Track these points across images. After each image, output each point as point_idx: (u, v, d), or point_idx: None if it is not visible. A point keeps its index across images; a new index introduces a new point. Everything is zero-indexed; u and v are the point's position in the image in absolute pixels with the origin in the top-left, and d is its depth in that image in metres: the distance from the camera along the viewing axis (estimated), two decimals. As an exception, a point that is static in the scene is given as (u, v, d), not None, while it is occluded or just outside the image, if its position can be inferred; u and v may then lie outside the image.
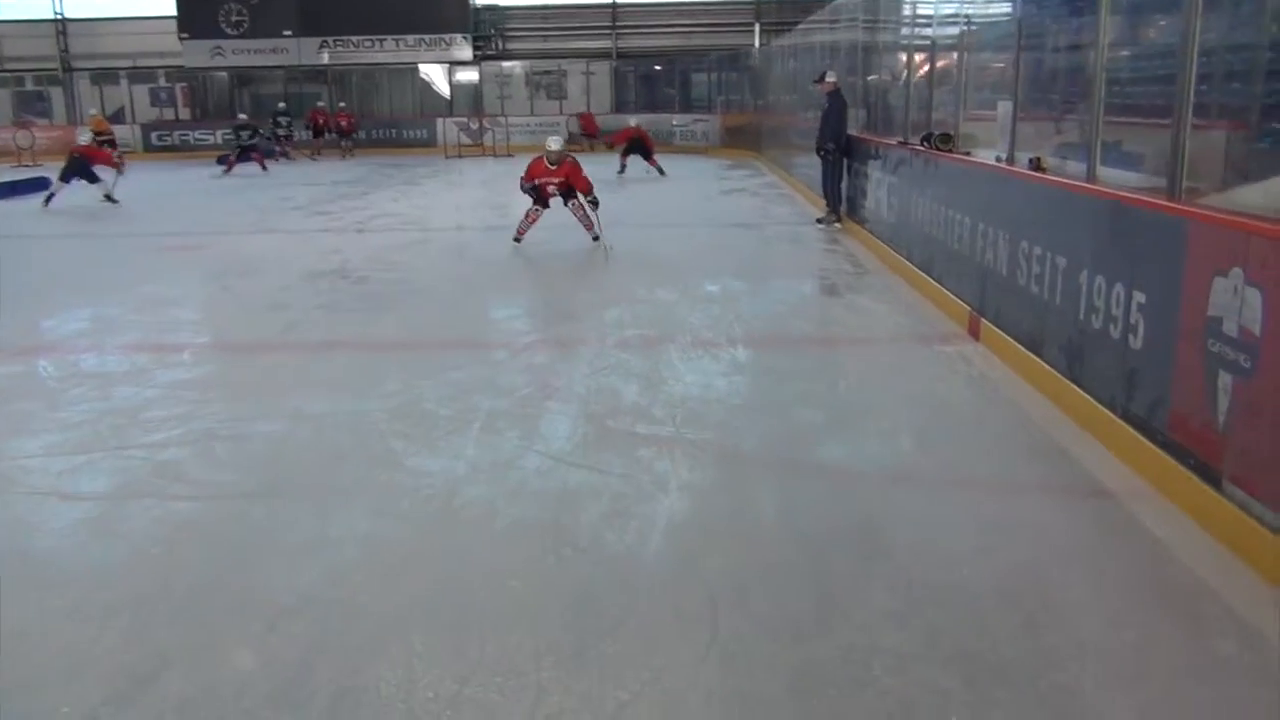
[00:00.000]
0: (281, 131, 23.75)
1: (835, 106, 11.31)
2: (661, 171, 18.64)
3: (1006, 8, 6.96)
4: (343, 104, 28.44)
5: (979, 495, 4.02)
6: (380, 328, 7.19)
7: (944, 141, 7.39)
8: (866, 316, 7.28)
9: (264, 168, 21.64)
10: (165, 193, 17.48)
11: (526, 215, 10.36)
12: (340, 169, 22.72)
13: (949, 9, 8.26)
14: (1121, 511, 3.77)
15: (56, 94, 31.18)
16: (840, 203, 11.50)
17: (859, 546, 3.55)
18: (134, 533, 3.79)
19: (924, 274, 7.64)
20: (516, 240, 10.35)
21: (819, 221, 11.80)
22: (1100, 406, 4.42)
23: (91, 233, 12.86)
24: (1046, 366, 5.08)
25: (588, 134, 26.21)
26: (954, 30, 8.21)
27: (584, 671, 2.78)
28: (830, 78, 11.52)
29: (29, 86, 31.69)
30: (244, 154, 21.91)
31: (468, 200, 16.51)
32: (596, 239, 10.01)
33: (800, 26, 17.81)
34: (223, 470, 4.42)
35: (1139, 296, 4.11)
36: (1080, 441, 4.46)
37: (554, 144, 10.38)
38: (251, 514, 3.95)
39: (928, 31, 9.01)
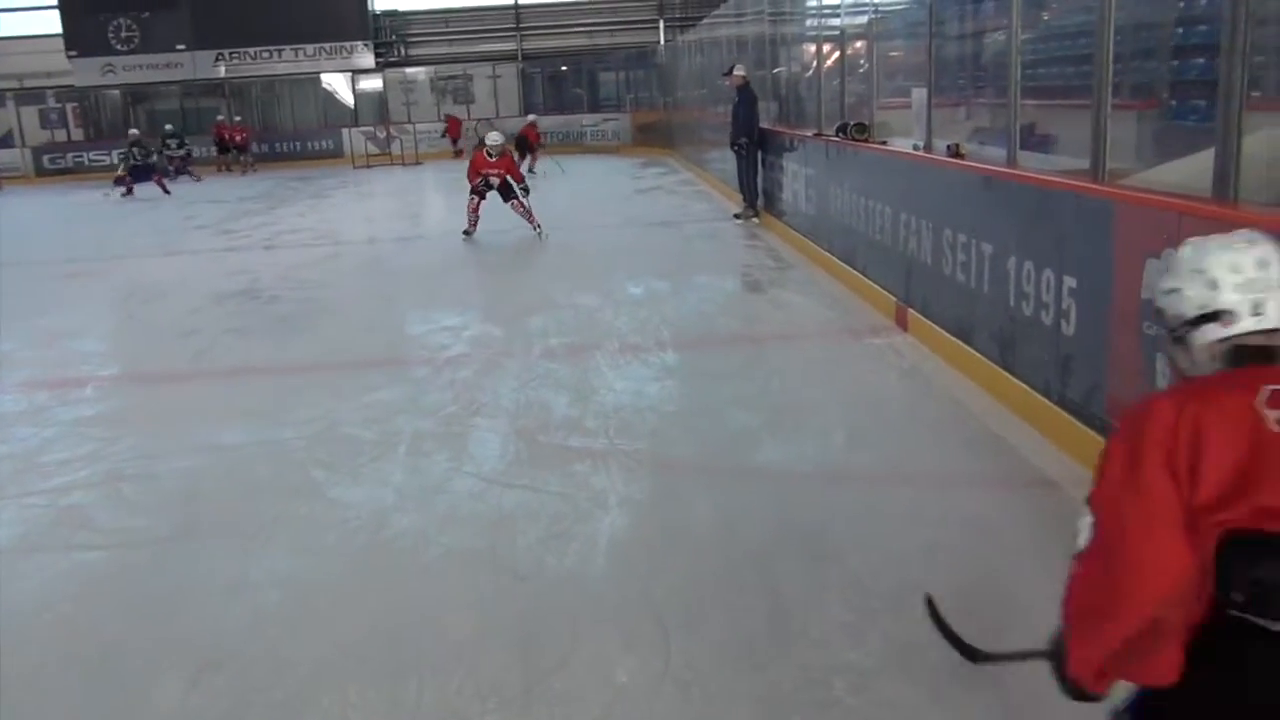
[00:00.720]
0: (171, 153, 22.62)
1: (745, 100, 11.25)
2: (531, 172, 17.29)
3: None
4: (238, 118, 27.61)
5: (921, 491, 3.96)
6: (294, 349, 6.92)
7: (859, 131, 7.36)
8: (792, 311, 7.23)
9: (165, 190, 20.20)
10: (60, 217, 16.79)
11: (469, 206, 11.20)
12: (244, 185, 22.09)
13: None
14: (1065, 500, 3.72)
15: (-62, 117, 29.83)
16: (757, 197, 11.46)
17: (806, 553, 3.45)
18: (37, 589, 3.52)
19: (847, 266, 7.62)
20: (467, 235, 11.21)
21: (736, 217, 11.75)
22: (1035, 394, 4.39)
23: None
24: (978, 355, 5.05)
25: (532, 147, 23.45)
26: (862, 18, 8.22)
27: (532, 713, 2.63)
28: (739, 70, 11.45)
29: (-92, 112, 30.30)
30: (140, 174, 20.38)
31: (379, 211, 16.17)
32: (539, 230, 10.93)
33: (706, 21, 17.80)
34: (132, 514, 4.16)
35: (1069, 281, 4.08)
36: (1017, 430, 4.43)
37: (494, 139, 11.44)
38: (165, 560, 3.71)
39: (835, 21, 9.02)
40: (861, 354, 5.94)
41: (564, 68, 29.69)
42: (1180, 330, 1.61)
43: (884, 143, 7.02)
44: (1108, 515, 1.56)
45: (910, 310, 6.13)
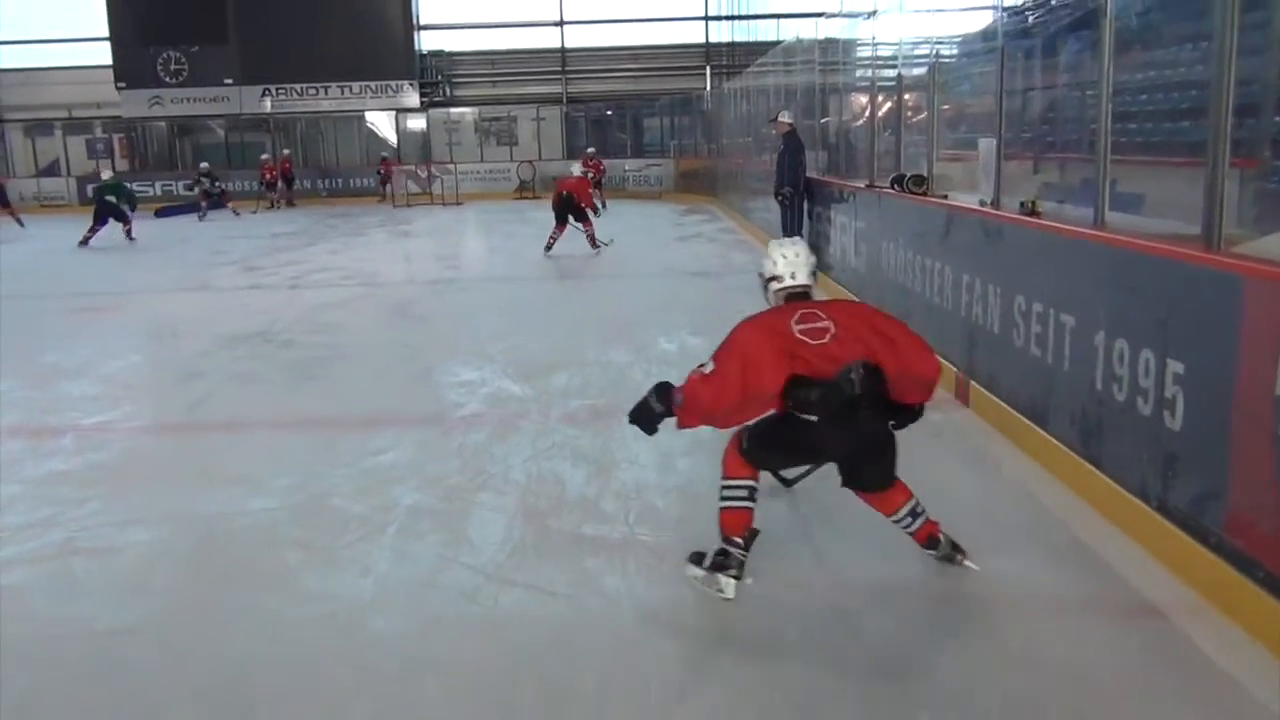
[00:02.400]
0: (205, 188, 22.78)
1: (791, 148, 10.72)
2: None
3: (979, 38, 6.37)
4: (286, 151, 27.58)
5: (998, 618, 3.32)
6: (299, 401, 6.40)
7: (917, 184, 6.78)
8: (840, 377, 6.60)
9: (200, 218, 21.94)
10: (92, 247, 16.50)
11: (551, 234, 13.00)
12: (281, 220, 21.90)
13: (917, 44, 7.73)
14: (1176, 635, 3.07)
15: (-12, 145, 30.11)
16: (802, 249, 10.89)
17: (857, 697, 2.83)
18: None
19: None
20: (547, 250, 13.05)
21: (780, 269, 11.18)
22: (1130, 496, 3.74)
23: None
24: (1055, 442, 4.41)
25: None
26: (920, 68, 7.67)
27: None
28: (785, 117, 10.96)
29: (-41, 137, 30.63)
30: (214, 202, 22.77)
31: (413, 252, 15.84)
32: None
33: (753, 68, 17.37)
34: (76, 600, 3.61)
35: (1175, 366, 3.45)
36: (1108, 539, 3.77)
37: (575, 170, 14.10)
38: (100, 663, 3.15)
39: (890, 71, 8.49)
40: (918, 432, 5.27)
41: (608, 112, 29.45)
42: (766, 284, 3.56)
43: (944, 197, 6.42)
44: (731, 370, 3.24)
45: (973, 383, 5.50)
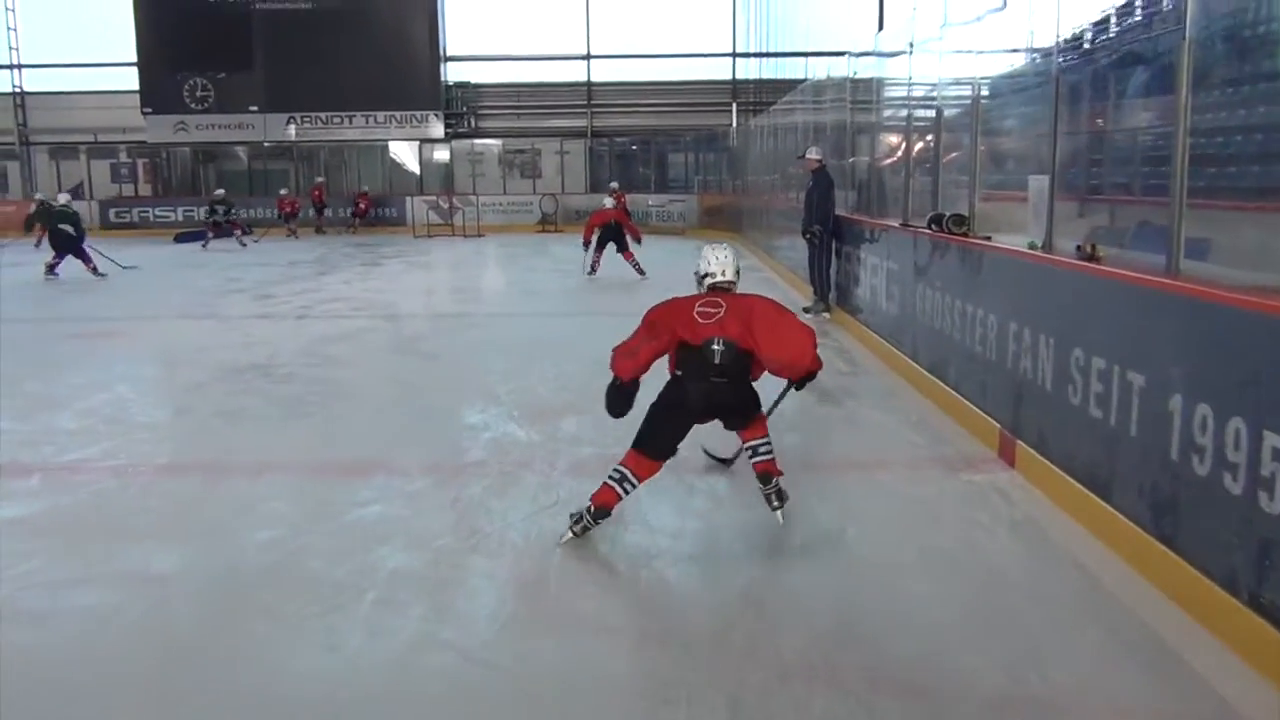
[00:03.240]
0: (216, 218, 22.41)
1: (820, 185, 10.31)
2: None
3: (1030, 71, 5.90)
4: (320, 179, 27.50)
5: (1066, 727, 2.83)
6: (288, 442, 5.96)
7: (958, 224, 6.32)
8: (870, 432, 6.11)
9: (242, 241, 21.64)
10: (105, 271, 16.24)
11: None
12: (299, 248, 21.63)
13: (958, 82, 7.29)
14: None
15: (13, 168, 30.11)
16: (829, 290, 10.44)
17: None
18: None
19: (935, 379, 6.52)
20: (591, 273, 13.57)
21: (805, 310, 10.68)
22: (1214, 586, 3.24)
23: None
24: (1120, 517, 3.91)
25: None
26: (956, 107, 7.24)
27: None
28: (814, 154, 10.55)
29: (-15, 160, 30.69)
30: (222, 231, 21.94)
31: (428, 284, 15.49)
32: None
33: (780, 104, 17.00)
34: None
35: (1274, 440, 2.96)
36: (1188, 635, 3.26)
37: (609, 203, 14.12)
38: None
39: (926, 109, 8.07)
40: (959, 495, 4.80)
41: (633, 146, 29.20)
42: (699, 277, 4.35)
43: (987, 238, 5.96)
44: (644, 331, 4.22)
45: (1019, 442, 5.00)
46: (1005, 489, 4.80)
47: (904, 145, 8.61)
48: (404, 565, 3.96)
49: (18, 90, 29.67)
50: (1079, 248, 4.60)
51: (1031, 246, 5.13)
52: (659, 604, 3.65)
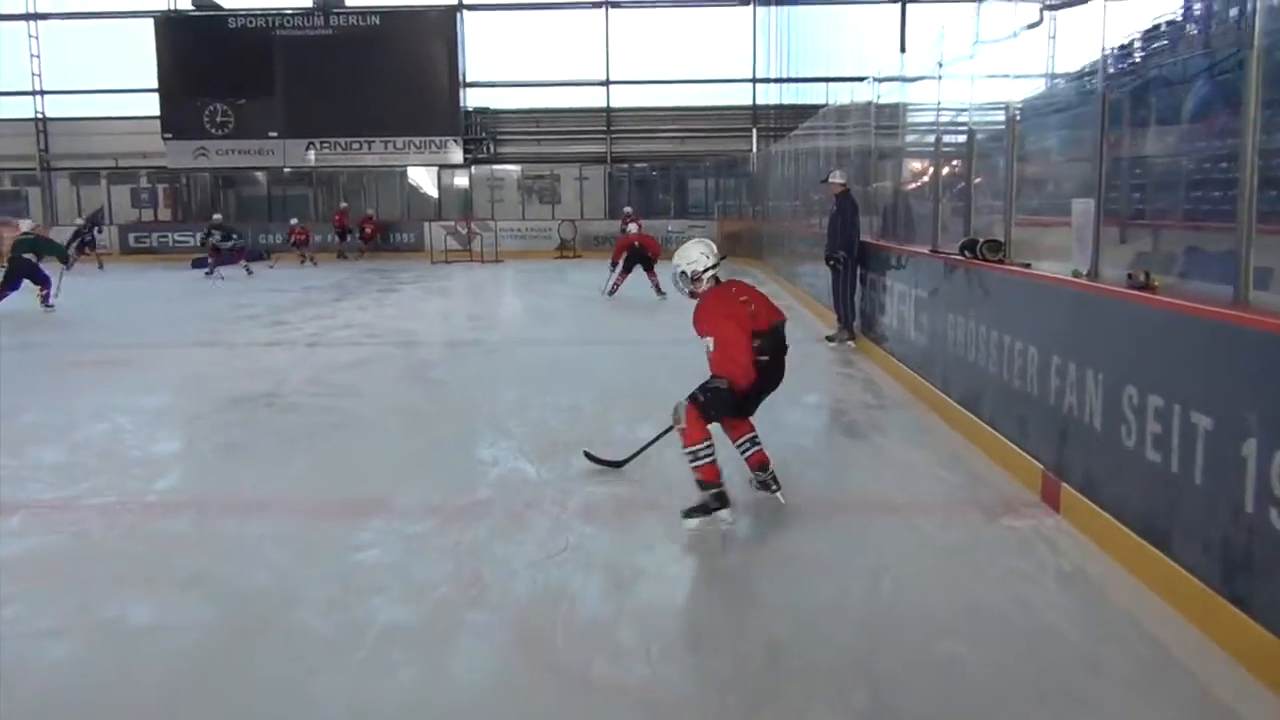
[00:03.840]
0: (215, 241, 21.52)
1: (844, 210, 9.99)
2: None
3: (1065, 89, 5.57)
4: (344, 204, 27.35)
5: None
6: (285, 479, 5.66)
7: (993, 250, 5.98)
8: (901, 470, 5.75)
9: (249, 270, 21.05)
10: (120, 297, 16.13)
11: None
12: (316, 274, 21.50)
13: (991, 100, 6.97)
14: None
15: (35, 194, 30.21)
16: (853, 318, 10.10)
17: None
18: None
19: (969, 413, 6.17)
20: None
21: (829, 339, 10.37)
22: (1301, 657, 2.89)
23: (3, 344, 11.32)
24: (1182, 571, 3.55)
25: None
26: (994, 125, 6.92)
27: None
28: (838, 178, 10.23)
29: (6, 185, 30.80)
30: (225, 257, 21.08)
31: (443, 310, 15.25)
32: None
33: (801, 129, 16.72)
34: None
35: (1371, 495, 2.61)
36: (1267, 708, 2.90)
37: (632, 229, 14.72)
38: None
39: (955, 134, 7.77)
40: (1000, 543, 4.44)
41: (652, 172, 29.02)
42: (700, 275, 4.80)
43: (1026, 265, 5.62)
44: (722, 337, 4.55)
45: (1065, 485, 4.65)
46: (1050, 536, 4.44)
47: (932, 169, 8.29)
48: (397, 620, 3.64)
49: (40, 116, 29.83)
50: (1130, 276, 4.26)
51: (1075, 274, 4.79)
52: (674, 667, 3.31)
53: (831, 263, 10.00)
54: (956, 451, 5.95)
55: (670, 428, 4.81)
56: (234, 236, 22.51)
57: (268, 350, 10.60)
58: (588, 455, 5.56)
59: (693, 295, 4.88)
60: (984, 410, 5.92)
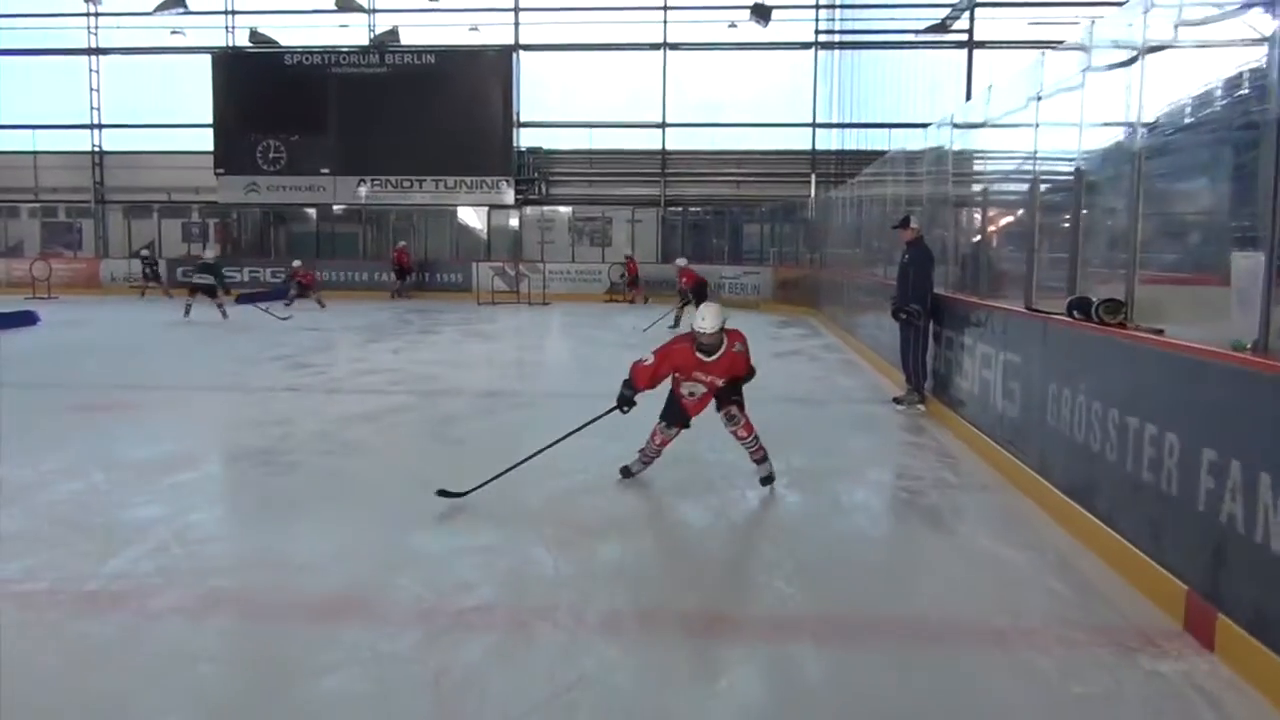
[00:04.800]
0: (146, 271, 19.86)
1: (918, 259, 9.01)
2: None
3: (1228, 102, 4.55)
4: (402, 244, 26.60)
5: None
6: (254, 566, 4.74)
7: (1111, 312, 4.97)
8: (998, 575, 4.72)
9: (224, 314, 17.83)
10: (151, 329, 15.55)
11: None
12: (360, 312, 20.85)
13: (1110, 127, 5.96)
14: None
15: (88, 225, 30.16)
16: (925, 379, 9.08)
17: None
18: None
19: (1077, 505, 5.14)
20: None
21: (896, 401, 9.35)
22: None
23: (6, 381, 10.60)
24: None
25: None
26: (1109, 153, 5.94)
27: None
28: (914, 223, 9.29)
29: (60, 217, 30.79)
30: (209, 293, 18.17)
31: (481, 355, 14.34)
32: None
33: (865, 173, 15.77)
34: None
35: None
36: None
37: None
38: None
39: (1055, 174, 6.79)
40: (1139, 698, 3.40)
41: (707, 216, 28.19)
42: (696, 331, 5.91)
43: (1158, 331, 4.61)
44: (658, 360, 5.93)
45: (1221, 616, 3.62)
46: (1209, 688, 3.40)
47: (1025, 215, 7.30)
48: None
49: (96, 150, 29.81)
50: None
51: (1237, 347, 3.78)
52: None
53: (903, 316, 9.01)
54: (1063, 553, 4.91)
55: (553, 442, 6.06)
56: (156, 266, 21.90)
57: (283, 397, 9.81)
58: (441, 493, 5.63)
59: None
60: (1099, 504, 4.89)
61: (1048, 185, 6.80)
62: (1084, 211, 5.85)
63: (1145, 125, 5.03)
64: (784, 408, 9.46)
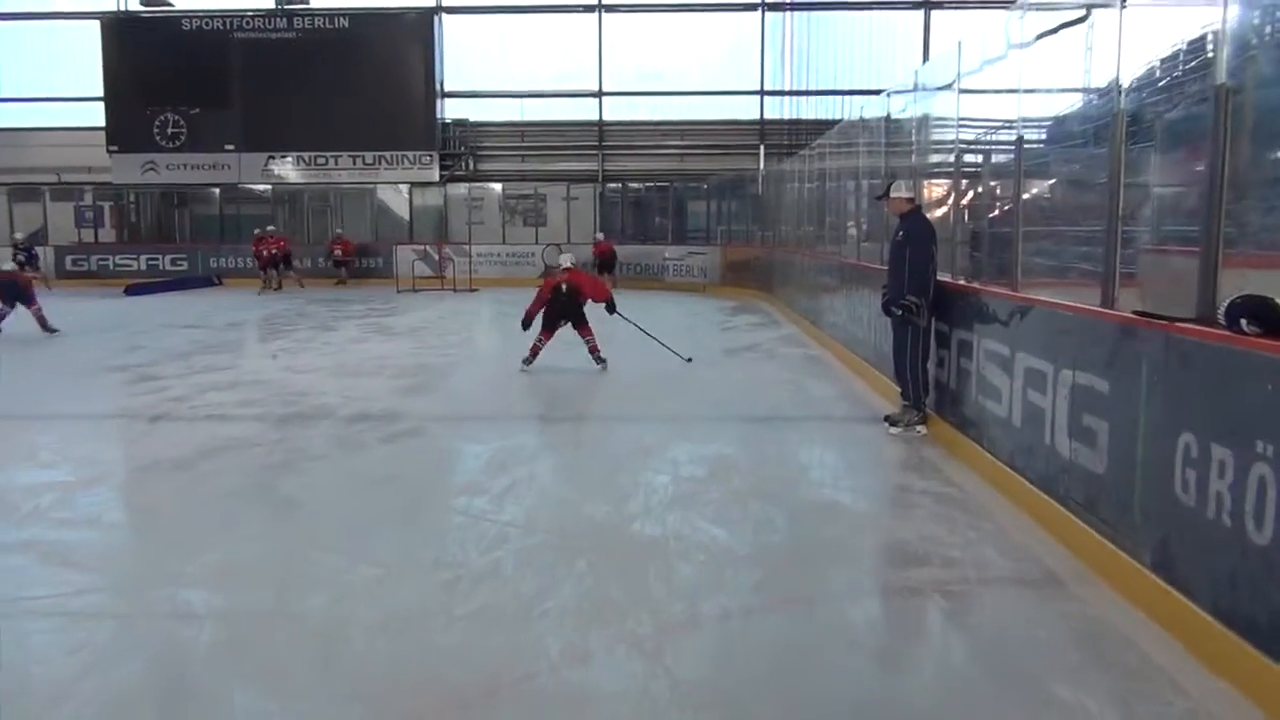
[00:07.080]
0: (19, 261, 17.12)
1: (916, 234, 6.84)
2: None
3: None
4: (270, 229, 24.10)
5: None
6: None
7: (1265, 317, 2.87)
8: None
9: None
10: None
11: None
12: (256, 304, 18.37)
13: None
14: None
15: (-36, 210, 27.16)
16: (926, 391, 6.96)
17: None
18: None
19: (1239, 638, 3.03)
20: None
21: (890, 422, 7.19)
22: None
23: None
24: None
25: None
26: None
27: None
28: (903, 191, 7.11)
29: (-64, 203, 27.76)
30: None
31: (375, 359, 11.55)
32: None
33: (828, 141, 13.54)
34: None
35: None
36: None
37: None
38: None
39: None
40: None
41: (648, 192, 25.95)
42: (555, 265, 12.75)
43: None
44: (539, 296, 10.06)
45: None
46: None
47: (1116, 169, 5.19)
48: None
49: (-26, 125, 26.83)
50: None
51: None
52: None
53: (899, 312, 6.85)
54: (1207, 692, 2.79)
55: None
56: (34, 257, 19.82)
57: (80, 430, 7.49)
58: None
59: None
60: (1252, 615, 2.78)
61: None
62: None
63: None
64: (744, 431, 7.30)
